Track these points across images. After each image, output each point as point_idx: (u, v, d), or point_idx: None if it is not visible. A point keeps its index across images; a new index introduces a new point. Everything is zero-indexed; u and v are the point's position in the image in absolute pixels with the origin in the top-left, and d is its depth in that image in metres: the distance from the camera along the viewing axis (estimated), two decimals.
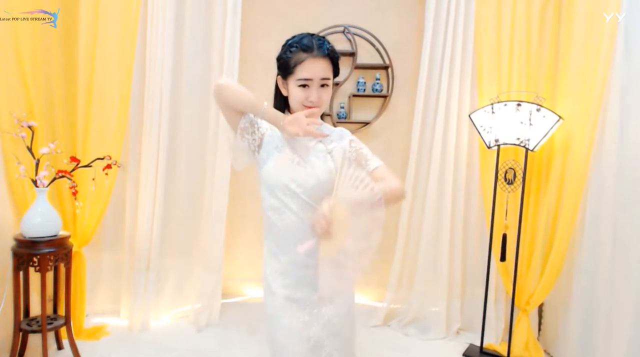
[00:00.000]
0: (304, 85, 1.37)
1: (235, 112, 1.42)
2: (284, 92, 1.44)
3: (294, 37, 1.42)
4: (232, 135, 1.44)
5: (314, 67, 1.35)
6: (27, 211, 2.44)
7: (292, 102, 1.42)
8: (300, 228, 1.38)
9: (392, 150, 3.67)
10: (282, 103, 1.47)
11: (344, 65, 3.60)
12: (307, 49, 1.36)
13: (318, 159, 1.42)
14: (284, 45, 1.42)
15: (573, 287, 2.77)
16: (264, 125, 1.45)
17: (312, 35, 1.41)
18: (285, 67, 1.39)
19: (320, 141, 1.45)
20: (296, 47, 1.37)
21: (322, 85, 1.39)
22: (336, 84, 3.55)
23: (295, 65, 1.36)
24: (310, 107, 1.39)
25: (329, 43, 1.42)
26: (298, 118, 1.34)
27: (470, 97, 3.15)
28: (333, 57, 1.40)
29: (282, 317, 1.43)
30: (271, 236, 1.45)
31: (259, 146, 1.43)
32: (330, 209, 1.23)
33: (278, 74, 1.46)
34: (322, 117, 1.55)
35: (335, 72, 1.44)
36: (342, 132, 1.51)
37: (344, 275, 1.33)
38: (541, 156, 2.95)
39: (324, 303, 1.44)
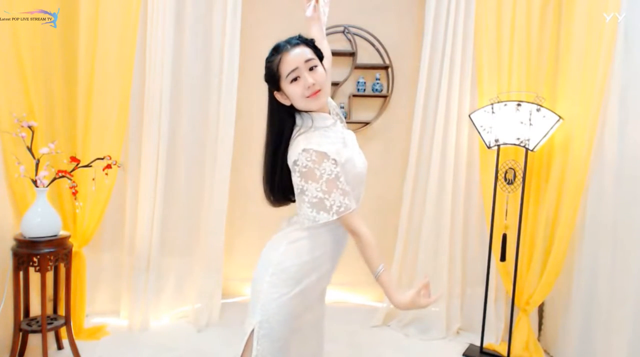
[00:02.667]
0: (295, 79, 1.38)
1: None
2: (287, 102, 1.44)
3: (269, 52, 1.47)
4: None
5: (291, 58, 1.38)
6: (27, 211, 2.44)
7: (297, 103, 1.41)
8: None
9: (392, 150, 3.67)
10: (283, 116, 1.46)
11: (344, 65, 3.60)
12: (278, 49, 1.41)
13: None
14: (264, 64, 1.46)
15: (573, 287, 2.77)
16: (331, 155, 1.38)
17: (281, 40, 1.45)
18: (271, 76, 1.42)
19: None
20: (271, 54, 1.43)
21: (311, 68, 1.39)
22: (336, 84, 3.55)
23: (277, 68, 1.39)
24: (312, 95, 1.39)
25: (296, 35, 1.45)
26: (415, 302, 1.31)
27: (470, 97, 3.15)
28: (305, 41, 1.43)
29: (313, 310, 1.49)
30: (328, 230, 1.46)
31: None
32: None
33: (273, 92, 1.45)
34: None
35: (317, 54, 1.44)
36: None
37: None
38: (541, 156, 2.95)
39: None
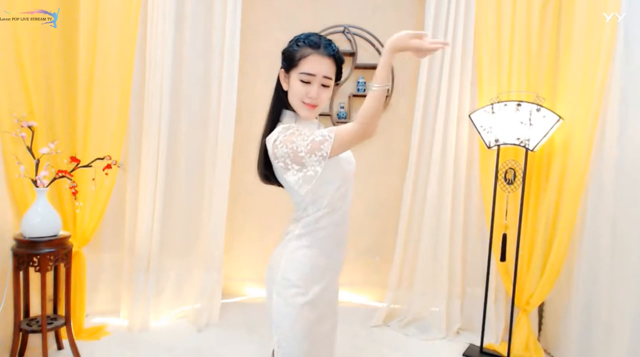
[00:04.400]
0: (305, 81, 1.38)
1: None
2: (285, 86, 1.45)
3: (302, 34, 1.44)
4: (320, 164, 1.31)
5: (318, 63, 1.37)
6: (27, 211, 2.44)
7: (292, 97, 1.43)
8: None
9: (392, 150, 3.67)
10: (281, 100, 1.48)
11: (344, 65, 3.59)
12: (314, 45, 1.38)
13: None
14: (291, 40, 1.44)
15: (573, 287, 2.77)
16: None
17: (321, 36, 1.43)
18: (290, 59, 1.41)
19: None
20: (304, 42, 1.39)
21: (323, 85, 1.40)
22: (336, 84, 3.54)
23: (300, 58, 1.38)
24: (308, 104, 1.41)
25: (336, 46, 1.44)
26: (400, 37, 1.26)
27: (470, 97, 3.15)
28: (338, 59, 1.43)
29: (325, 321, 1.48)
30: (328, 232, 1.45)
31: None
32: None
33: (281, 68, 1.46)
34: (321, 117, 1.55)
35: (338, 76, 1.46)
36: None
37: None
38: (541, 156, 2.95)
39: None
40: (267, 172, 1.50)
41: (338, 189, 1.43)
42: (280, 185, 1.53)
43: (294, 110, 1.47)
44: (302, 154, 1.30)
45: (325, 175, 1.34)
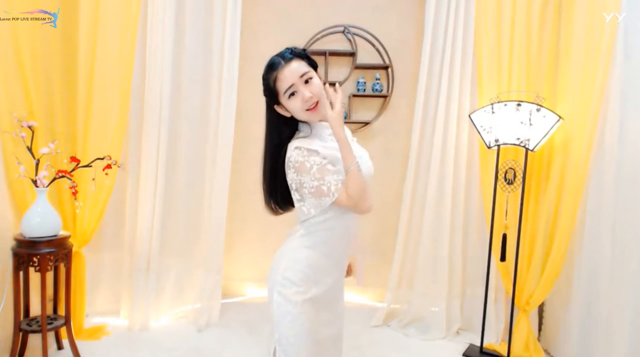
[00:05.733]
0: (292, 94, 1.41)
1: None
2: (287, 114, 1.47)
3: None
4: (317, 211, 1.41)
5: (286, 74, 1.40)
6: (27, 211, 2.44)
7: (297, 115, 1.45)
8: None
9: (392, 150, 3.67)
10: (283, 129, 1.49)
11: (344, 65, 3.60)
12: (273, 66, 1.43)
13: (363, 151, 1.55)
14: (262, 82, 1.48)
15: (573, 287, 2.77)
16: (321, 152, 1.43)
17: (276, 54, 1.47)
18: (270, 92, 1.45)
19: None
20: (266, 71, 1.45)
21: (306, 81, 1.42)
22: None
23: (274, 84, 1.42)
24: (312, 109, 1.42)
25: (290, 48, 1.47)
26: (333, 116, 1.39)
27: (470, 97, 3.15)
28: (298, 54, 1.44)
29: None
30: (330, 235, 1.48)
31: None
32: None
33: (272, 106, 1.48)
34: None
35: (311, 64, 1.46)
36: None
37: None
38: (541, 156, 2.95)
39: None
40: (282, 194, 1.52)
41: None
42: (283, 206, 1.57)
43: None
44: (306, 191, 1.38)
45: None
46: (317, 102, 1.42)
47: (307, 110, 1.42)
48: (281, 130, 1.49)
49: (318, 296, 1.43)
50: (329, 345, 1.50)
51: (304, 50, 1.48)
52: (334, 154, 1.42)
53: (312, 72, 1.44)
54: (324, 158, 1.40)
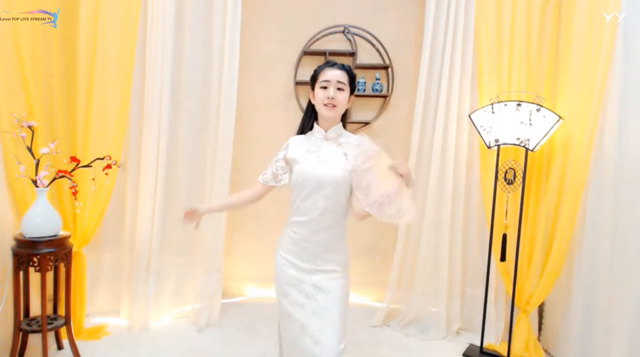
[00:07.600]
0: (324, 87, 1.77)
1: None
2: (312, 101, 1.84)
3: None
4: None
5: (330, 73, 1.78)
6: (27, 211, 2.44)
7: (317, 104, 1.80)
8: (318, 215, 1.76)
9: (392, 150, 3.62)
10: (310, 117, 1.87)
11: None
12: (328, 64, 1.83)
13: (336, 159, 1.78)
14: (314, 69, 1.87)
15: (573, 287, 2.77)
16: (290, 148, 1.85)
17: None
18: (313, 78, 1.84)
19: (340, 145, 1.82)
20: (321, 65, 1.84)
21: (339, 88, 1.76)
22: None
23: (319, 73, 1.81)
24: (328, 104, 1.75)
25: (348, 65, 1.83)
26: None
27: (470, 97, 3.15)
28: (348, 71, 1.80)
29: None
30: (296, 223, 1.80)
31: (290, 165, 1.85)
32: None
33: (311, 91, 1.86)
34: (344, 125, 1.89)
35: (352, 85, 1.81)
36: (359, 140, 1.78)
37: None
38: (541, 156, 2.95)
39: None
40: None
41: (303, 198, 1.75)
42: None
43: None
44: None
45: (291, 184, 1.82)
46: (335, 106, 1.75)
47: (325, 104, 1.75)
48: (309, 114, 1.88)
49: (280, 261, 1.87)
50: (289, 312, 1.77)
51: (355, 74, 1.85)
52: (301, 151, 1.80)
53: (347, 88, 1.79)
54: (285, 152, 1.85)
